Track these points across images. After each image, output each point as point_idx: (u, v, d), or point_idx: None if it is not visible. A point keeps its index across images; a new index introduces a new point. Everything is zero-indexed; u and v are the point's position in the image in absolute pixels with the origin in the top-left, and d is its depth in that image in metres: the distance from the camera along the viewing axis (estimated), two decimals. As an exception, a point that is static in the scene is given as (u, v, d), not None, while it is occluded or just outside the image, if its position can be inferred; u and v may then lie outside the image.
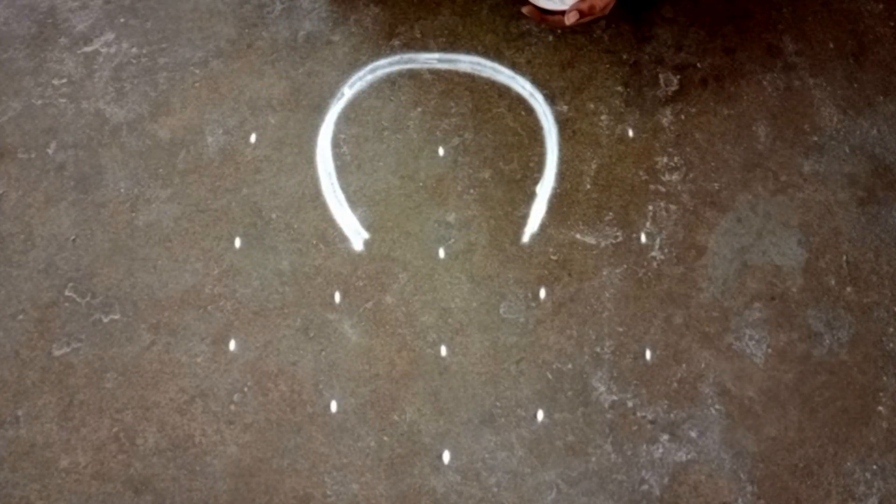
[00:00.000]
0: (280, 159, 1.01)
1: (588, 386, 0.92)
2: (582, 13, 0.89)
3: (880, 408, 0.91)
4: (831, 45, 1.08)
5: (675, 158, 1.01)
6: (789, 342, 0.93)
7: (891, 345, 0.93)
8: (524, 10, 0.93)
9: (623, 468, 0.89)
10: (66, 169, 1.01)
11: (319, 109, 1.04)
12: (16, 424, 0.90)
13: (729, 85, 1.05)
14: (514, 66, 1.06)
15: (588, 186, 1.00)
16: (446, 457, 0.89)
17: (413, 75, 1.05)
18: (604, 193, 1.00)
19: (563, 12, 0.90)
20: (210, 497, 0.87)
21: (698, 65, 1.06)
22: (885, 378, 0.92)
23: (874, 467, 0.89)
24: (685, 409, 0.91)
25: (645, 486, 0.88)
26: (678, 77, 1.06)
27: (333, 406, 0.91)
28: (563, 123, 1.03)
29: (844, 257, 0.97)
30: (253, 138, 1.02)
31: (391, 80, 1.04)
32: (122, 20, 1.09)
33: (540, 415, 0.90)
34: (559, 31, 0.98)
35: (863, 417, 0.91)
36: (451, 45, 1.06)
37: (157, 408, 0.91)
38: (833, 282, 0.96)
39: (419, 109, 1.03)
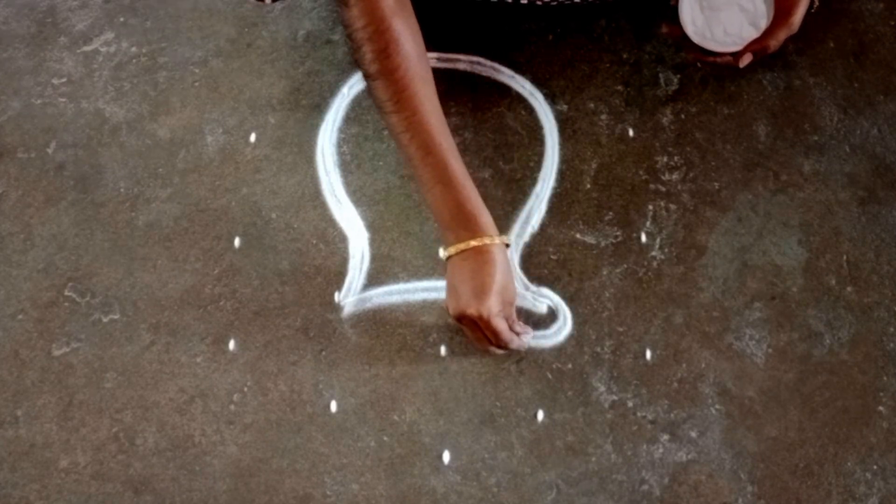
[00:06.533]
0: (280, 159, 1.01)
1: (588, 386, 0.91)
2: (755, 54, 0.89)
3: (881, 408, 0.91)
4: (831, 45, 1.07)
5: (676, 158, 1.01)
6: (789, 342, 0.93)
7: (891, 345, 0.93)
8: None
9: (623, 468, 0.88)
10: (66, 168, 1.01)
11: (319, 109, 1.03)
12: (15, 424, 0.90)
13: (729, 84, 1.05)
14: (514, 66, 1.05)
15: (588, 186, 1.00)
16: (446, 457, 0.89)
17: (413, 75, 1.05)
18: (604, 193, 1.00)
19: (731, 53, 0.89)
20: (210, 497, 0.87)
21: (698, 64, 1.06)
22: (885, 378, 0.92)
23: (875, 467, 0.89)
24: (685, 409, 0.91)
25: (645, 486, 0.88)
26: (678, 76, 1.05)
27: (333, 406, 0.91)
28: (563, 123, 1.03)
29: (845, 257, 0.97)
30: (253, 138, 1.02)
31: (391, 80, 1.04)
32: (121, 19, 1.09)
33: (540, 415, 0.90)
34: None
35: (863, 417, 0.90)
36: (451, 44, 1.06)
37: (157, 408, 0.91)
38: (833, 281, 0.96)
39: (419, 109, 1.03)
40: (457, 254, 0.84)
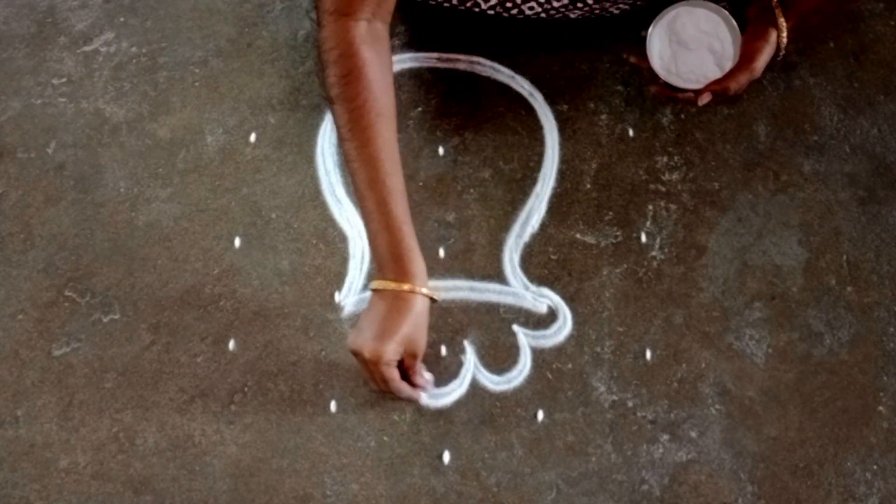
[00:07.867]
0: (280, 159, 1.01)
1: (588, 386, 0.91)
2: (715, 94, 0.88)
3: (880, 408, 0.91)
4: (831, 45, 1.07)
5: (676, 158, 1.01)
6: (789, 342, 0.93)
7: (891, 345, 0.93)
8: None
9: (623, 468, 0.89)
10: (66, 168, 1.01)
11: (319, 109, 1.03)
12: (15, 424, 0.90)
13: (729, 84, 1.05)
14: (513, 66, 1.05)
15: (588, 186, 1.00)
16: (446, 457, 0.89)
17: (413, 74, 1.05)
18: (604, 193, 1.00)
19: (694, 90, 0.89)
20: (210, 497, 0.87)
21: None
22: (885, 378, 0.92)
23: (874, 467, 0.89)
24: (685, 409, 0.91)
25: (645, 486, 0.88)
26: (678, 76, 1.05)
27: (333, 406, 0.91)
28: (563, 123, 1.03)
29: (845, 257, 0.97)
30: (253, 138, 1.02)
31: (391, 80, 1.04)
32: (121, 19, 1.09)
33: (540, 415, 0.90)
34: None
35: (863, 417, 0.90)
36: (451, 44, 1.06)
37: (157, 408, 0.91)
38: (833, 281, 0.96)
39: (419, 109, 1.03)
40: (378, 291, 0.82)
